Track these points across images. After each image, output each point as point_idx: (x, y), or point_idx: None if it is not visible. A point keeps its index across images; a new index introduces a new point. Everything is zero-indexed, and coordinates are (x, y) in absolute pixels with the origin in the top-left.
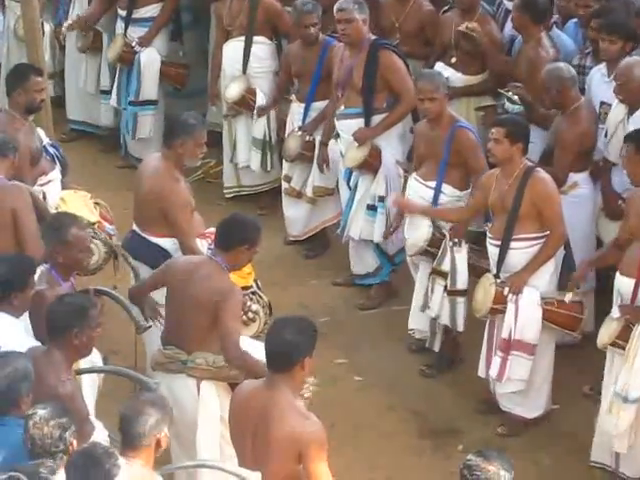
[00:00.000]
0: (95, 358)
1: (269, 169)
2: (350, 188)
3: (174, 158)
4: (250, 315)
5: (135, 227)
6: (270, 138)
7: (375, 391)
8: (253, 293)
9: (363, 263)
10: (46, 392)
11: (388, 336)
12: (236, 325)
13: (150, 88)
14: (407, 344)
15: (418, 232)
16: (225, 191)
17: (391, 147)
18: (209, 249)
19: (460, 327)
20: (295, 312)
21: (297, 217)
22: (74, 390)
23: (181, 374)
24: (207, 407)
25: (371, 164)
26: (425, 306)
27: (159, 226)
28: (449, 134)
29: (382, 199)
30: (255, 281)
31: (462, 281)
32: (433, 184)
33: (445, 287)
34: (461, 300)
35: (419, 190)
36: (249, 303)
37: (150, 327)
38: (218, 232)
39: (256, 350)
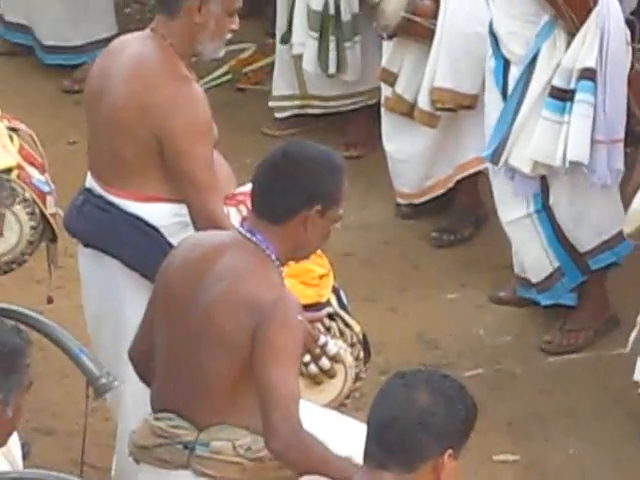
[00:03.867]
0: (11, 444)
1: (331, 71)
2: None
3: (180, 37)
4: (325, 364)
5: (93, 183)
6: (338, 11)
7: None
8: (331, 317)
9: (524, 259)
10: None
11: (608, 410)
12: (290, 380)
13: None
14: None
15: None
16: (272, 104)
17: None
18: (243, 223)
19: None
20: (414, 355)
21: (409, 157)
22: None
23: (184, 470)
24: None
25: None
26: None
27: (148, 179)
28: None
29: (590, 75)
30: (335, 292)
31: None
32: None
33: None
34: None
35: None
36: (323, 339)
37: (116, 387)
38: (259, 183)
39: (334, 435)
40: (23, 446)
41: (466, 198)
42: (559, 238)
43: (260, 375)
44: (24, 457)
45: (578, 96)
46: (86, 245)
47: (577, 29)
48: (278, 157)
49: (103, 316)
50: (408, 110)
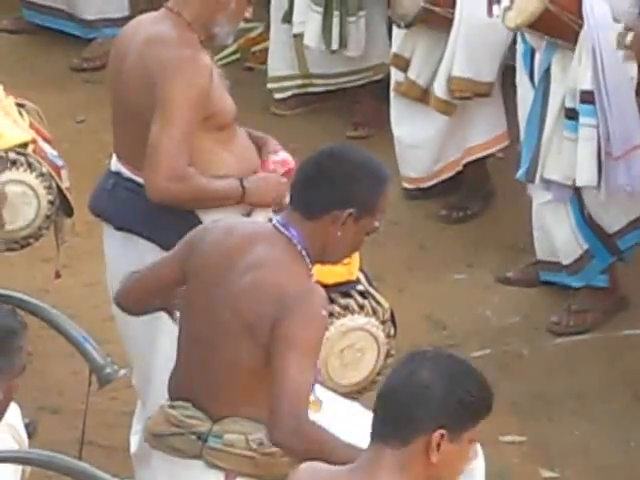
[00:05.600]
0: (14, 421)
1: (334, 47)
2: (534, 85)
3: (199, 14)
4: (354, 342)
5: (120, 166)
6: None
7: None
8: (363, 295)
9: (555, 242)
10: None
11: (615, 392)
12: (303, 374)
13: None
14: None
15: None
16: (271, 86)
17: None
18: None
19: None
20: (422, 336)
21: (419, 142)
22: None
23: (196, 460)
24: None
25: (556, 20)
26: None
27: None
28: None
29: (589, 98)
30: (362, 271)
31: None
32: None
33: None
34: None
35: None
36: (354, 317)
37: (123, 375)
38: (299, 176)
39: (348, 426)
40: (27, 425)
41: (474, 174)
42: (587, 220)
43: (276, 365)
44: (29, 436)
45: (581, 120)
46: (118, 228)
47: (574, 48)
48: (324, 155)
49: None
50: (421, 95)
